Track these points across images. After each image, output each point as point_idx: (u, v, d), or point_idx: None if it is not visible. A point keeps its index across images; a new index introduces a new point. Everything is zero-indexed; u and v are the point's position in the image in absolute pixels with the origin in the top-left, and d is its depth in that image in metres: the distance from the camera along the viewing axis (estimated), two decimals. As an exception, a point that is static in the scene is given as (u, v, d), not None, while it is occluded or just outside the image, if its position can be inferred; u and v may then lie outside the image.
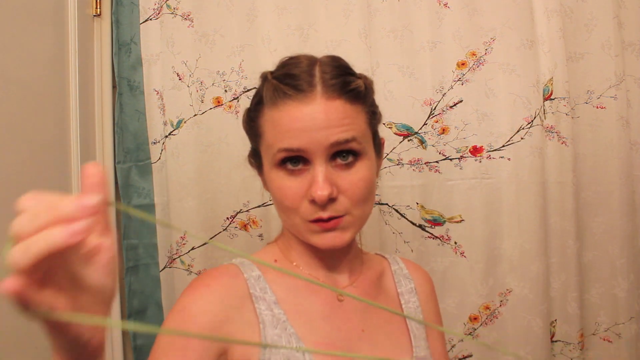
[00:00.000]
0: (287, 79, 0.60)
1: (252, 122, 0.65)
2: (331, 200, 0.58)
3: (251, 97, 0.67)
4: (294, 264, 0.68)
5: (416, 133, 1.15)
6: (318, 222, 0.59)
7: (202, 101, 1.16)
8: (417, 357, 0.66)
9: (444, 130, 1.15)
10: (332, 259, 0.68)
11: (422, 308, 0.73)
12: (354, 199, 0.60)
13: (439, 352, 0.73)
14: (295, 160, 0.59)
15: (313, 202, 0.58)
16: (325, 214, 0.59)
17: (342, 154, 0.59)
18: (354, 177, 0.60)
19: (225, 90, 1.16)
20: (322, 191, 0.57)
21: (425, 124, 1.15)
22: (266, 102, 0.61)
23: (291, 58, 0.64)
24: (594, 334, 1.19)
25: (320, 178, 0.58)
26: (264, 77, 0.64)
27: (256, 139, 0.65)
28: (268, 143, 0.62)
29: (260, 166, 0.67)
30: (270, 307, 0.60)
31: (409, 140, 1.14)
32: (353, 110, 0.60)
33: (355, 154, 0.60)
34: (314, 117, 0.58)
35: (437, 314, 0.78)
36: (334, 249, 0.61)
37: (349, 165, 0.60)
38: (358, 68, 0.67)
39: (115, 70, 1.19)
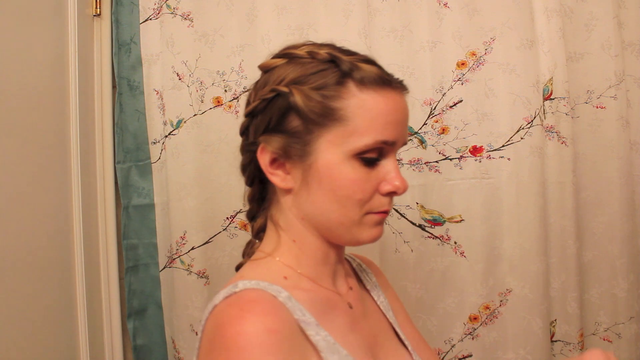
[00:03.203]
0: (372, 62, 0.58)
1: (323, 104, 0.56)
2: None
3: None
4: (304, 276, 0.60)
5: (416, 133, 1.15)
6: (380, 213, 0.59)
7: (202, 101, 1.16)
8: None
9: (443, 130, 1.15)
10: (336, 264, 0.65)
11: (388, 300, 0.73)
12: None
13: (417, 337, 0.73)
14: (377, 152, 0.57)
15: (389, 194, 0.58)
16: (390, 207, 0.60)
17: None
18: None
19: (225, 90, 1.16)
20: (404, 182, 0.58)
21: (425, 123, 1.15)
22: (358, 84, 0.55)
23: (337, 46, 0.61)
24: (594, 334, 1.19)
25: (398, 170, 0.58)
26: (330, 57, 0.57)
27: (322, 124, 0.56)
28: (355, 130, 0.55)
29: (304, 154, 0.57)
30: (317, 331, 0.53)
31: (408, 140, 1.15)
32: None
33: None
34: (405, 111, 0.59)
35: (398, 299, 0.78)
36: (373, 242, 0.62)
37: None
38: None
39: (115, 70, 1.19)
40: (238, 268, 0.66)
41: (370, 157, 0.56)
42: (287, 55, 0.60)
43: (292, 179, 0.59)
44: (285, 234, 0.61)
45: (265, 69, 0.62)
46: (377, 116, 0.55)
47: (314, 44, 0.61)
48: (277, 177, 0.59)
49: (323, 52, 0.58)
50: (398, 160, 1.14)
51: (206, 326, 0.52)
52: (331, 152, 0.56)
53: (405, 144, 0.61)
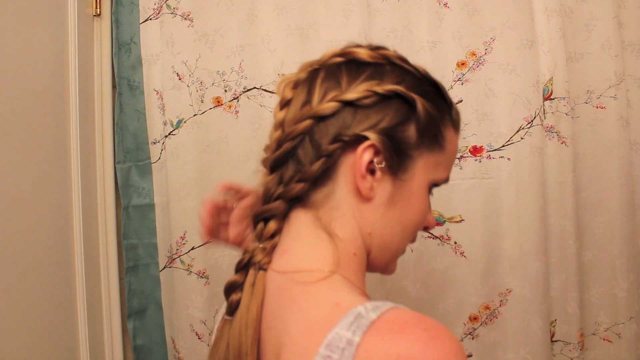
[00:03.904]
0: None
1: (436, 124, 0.55)
2: None
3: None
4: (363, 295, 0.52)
5: (416, 133, 1.15)
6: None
7: (202, 101, 1.16)
8: None
9: (444, 130, 1.15)
10: None
11: None
12: None
13: None
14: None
15: (425, 229, 0.60)
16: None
17: None
18: None
19: (225, 90, 1.16)
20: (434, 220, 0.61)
21: (425, 124, 1.15)
22: (451, 121, 0.58)
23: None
24: (593, 334, 1.19)
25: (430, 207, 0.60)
26: (441, 86, 0.59)
27: (432, 143, 0.55)
28: (441, 161, 0.56)
29: (401, 167, 0.53)
30: None
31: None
32: None
33: None
34: None
35: None
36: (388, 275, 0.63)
37: None
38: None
39: (115, 70, 1.19)
40: (233, 289, 0.54)
41: (431, 191, 0.58)
42: (400, 58, 0.57)
43: (379, 189, 0.52)
44: (345, 246, 0.52)
45: (373, 58, 0.55)
46: (454, 155, 0.59)
47: (418, 67, 0.59)
48: (366, 183, 0.51)
49: (431, 76, 0.59)
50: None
51: None
52: (423, 175, 0.54)
53: None
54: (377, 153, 0.51)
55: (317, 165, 0.52)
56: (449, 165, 0.58)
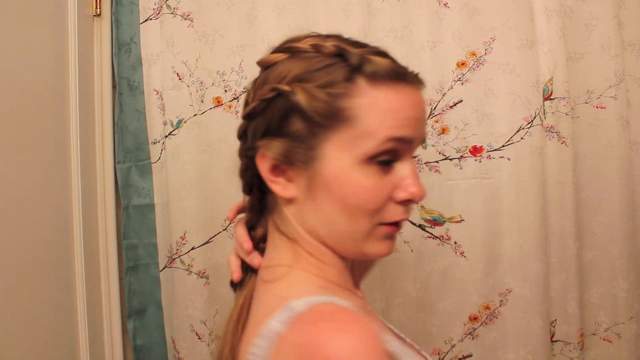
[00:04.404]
0: (385, 55, 0.52)
1: (329, 104, 0.50)
2: None
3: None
4: (334, 283, 0.55)
5: (416, 133, 1.15)
6: (392, 225, 0.53)
7: (202, 101, 1.16)
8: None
9: (443, 130, 1.15)
10: (353, 271, 0.60)
11: None
12: None
13: None
14: (392, 154, 0.51)
15: (405, 202, 0.53)
16: (406, 216, 0.54)
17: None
18: None
19: (225, 90, 1.16)
20: (422, 189, 0.52)
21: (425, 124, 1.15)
22: (369, 80, 0.50)
23: (346, 37, 0.55)
24: (594, 334, 1.19)
25: (416, 174, 0.52)
26: (337, 50, 0.51)
27: (328, 126, 0.50)
28: (365, 130, 0.49)
29: (308, 160, 0.51)
30: (383, 335, 0.49)
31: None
32: None
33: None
34: (423, 107, 0.54)
35: None
36: (382, 257, 0.56)
37: None
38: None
39: (115, 70, 1.19)
40: (235, 286, 0.61)
41: (383, 160, 0.50)
42: (289, 49, 0.54)
43: (295, 187, 0.53)
44: (298, 246, 0.55)
45: (265, 65, 0.56)
46: (390, 113, 0.50)
47: (319, 36, 0.55)
48: (278, 186, 0.53)
49: (329, 45, 0.51)
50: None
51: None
52: (340, 157, 0.50)
53: (423, 141, 0.55)
54: (269, 157, 0.53)
55: (244, 181, 0.58)
56: (384, 127, 0.50)
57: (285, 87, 0.51)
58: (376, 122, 0.49)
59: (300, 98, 0.50)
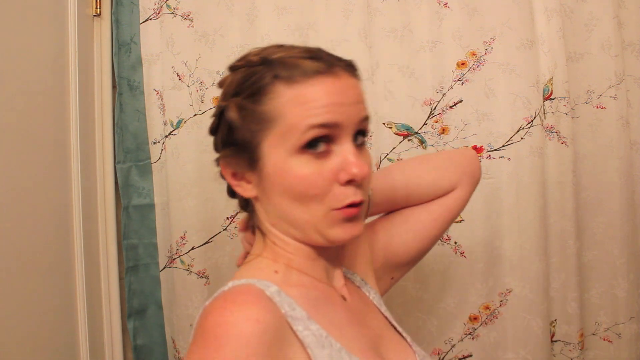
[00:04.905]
0: (306, 54, 0.57)
1: (255, 111, 0.56)
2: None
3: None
4: (295, 269, 0.60)
5: (416, 133, 1.15)
6: (347, 208, 0.55)
7: (202, 101, 1.16)
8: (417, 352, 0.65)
9: (444, 130, 1.15)
10: (329, 259, 0.63)
11: (370, 285, 0.71)
12: (367, 185, 0.58)
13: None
14: (323, 140, 0.54)
15: (348, 183, 0.55)
16: (357, 198, 0.55)
17: (358, 134, 0.57)
18: (367, 159, 0.58)
19: (225, 90, 1.16)
20: (362, 168, 0.54)
21: (425, 124, 1.15)
22: (286, 81, 0.54)
23: (282, 45, 0.60)
24: (594, 334, 1.19)
25: (355, 155, 0.55)
26: (261, 61, 0.57)
27: (260, 129, 0.56)
28: (290, 125, 0.54)
29: (253, 162, 0.57)
30: (307, 326, 0.52)
31: (409, 140, 1.14)
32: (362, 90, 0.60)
33: (364, 136, 0.59)
34: (346, 92, 0.56)
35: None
36: (349, 242, 0.59)
37: (361, 147, 0.58)
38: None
39: (115, 70, 1.19)
40: None
41: (316, 149, 0.54)
42: (231, 67, 0.61)
43: (254, 187, 0.59)
44: (267, 238, 0.62)
45: (219, 85, 0.63)
46: (307, 105, 0.54)
47: (261, 48, 0.61)
48: (240, 188, 0.61)
49: (254, 57, 0.58)
50: (398, 160, 1.14)
51: (195, 325, 0.53)
52: (275, 153, 0.55)
53: (363, 122, 0.57)
54: (229, 165, 0.60)
55: (227, 192, 0.66)
56: (305, 116, 0.53)
57: (222, 104, 0.60)
58: (297, 116, 0.54)
59: (232, 112, 0.58)
